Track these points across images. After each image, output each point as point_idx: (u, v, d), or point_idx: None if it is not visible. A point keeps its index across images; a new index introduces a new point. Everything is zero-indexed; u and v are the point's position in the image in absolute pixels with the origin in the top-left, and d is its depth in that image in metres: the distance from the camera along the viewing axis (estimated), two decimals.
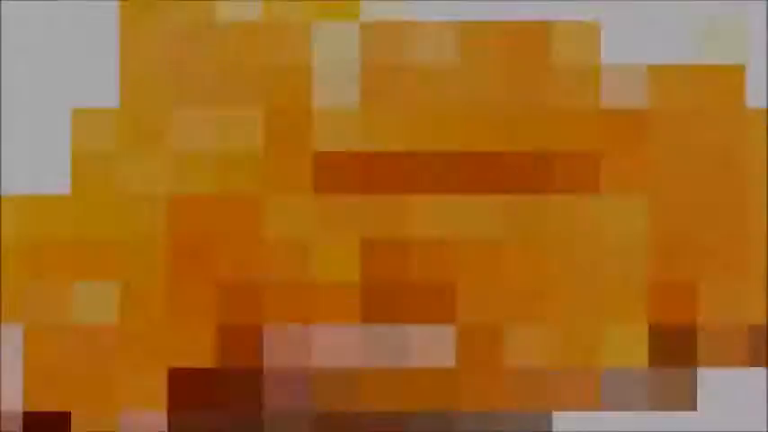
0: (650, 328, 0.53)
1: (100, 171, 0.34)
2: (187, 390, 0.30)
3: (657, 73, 0.65)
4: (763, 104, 0.62)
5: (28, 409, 0.30)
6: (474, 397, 0.51)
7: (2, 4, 0.66)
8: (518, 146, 0.59)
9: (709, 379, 0.58)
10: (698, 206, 0.60)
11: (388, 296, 0.49)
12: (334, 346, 0.35)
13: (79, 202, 0.31)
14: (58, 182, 0.58)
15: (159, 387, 0.29)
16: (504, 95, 0.59)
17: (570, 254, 0.53)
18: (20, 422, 0.30)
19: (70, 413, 0.29)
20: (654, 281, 0.53)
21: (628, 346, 0.52)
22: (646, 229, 0.54)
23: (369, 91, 0.58)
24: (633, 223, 0.55)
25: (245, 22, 0.60)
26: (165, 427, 0.31)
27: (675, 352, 0.58)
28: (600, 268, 0.53)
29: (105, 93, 0.56)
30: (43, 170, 0.59)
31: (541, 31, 0.61)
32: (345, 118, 0.57)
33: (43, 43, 0.65)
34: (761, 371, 0.58)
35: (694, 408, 0.55)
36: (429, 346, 0.50)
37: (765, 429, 0.56)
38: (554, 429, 0.56)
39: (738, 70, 0.61)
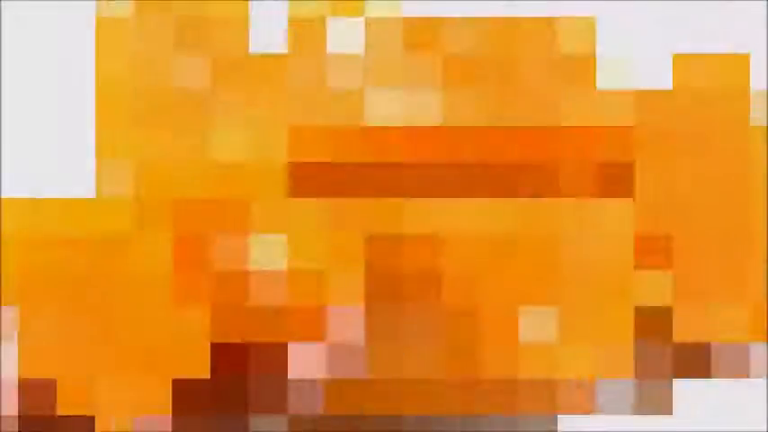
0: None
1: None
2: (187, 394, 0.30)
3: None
4: (762, 105, 0.62)
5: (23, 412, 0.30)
6: (466, 396, 0.51)
7: (2, 4, 0.66)
8: (518, 152, 0.60)
9: (710, 380, 0.58)
10: (696, 206, 0.60)
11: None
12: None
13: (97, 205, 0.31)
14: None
15: (162, 392, 0.30)
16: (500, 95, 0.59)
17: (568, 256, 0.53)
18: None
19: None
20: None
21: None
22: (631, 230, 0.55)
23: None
24: (625, 225, 0.55)
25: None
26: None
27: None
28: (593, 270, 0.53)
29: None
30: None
31: (542, 27, 0.62)
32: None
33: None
34: (761, 371, 0.58)
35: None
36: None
37: (766, 430, 0.56)
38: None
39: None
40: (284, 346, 0.34)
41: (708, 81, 0.64)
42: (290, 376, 0.34)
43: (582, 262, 0.53)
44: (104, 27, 0.57)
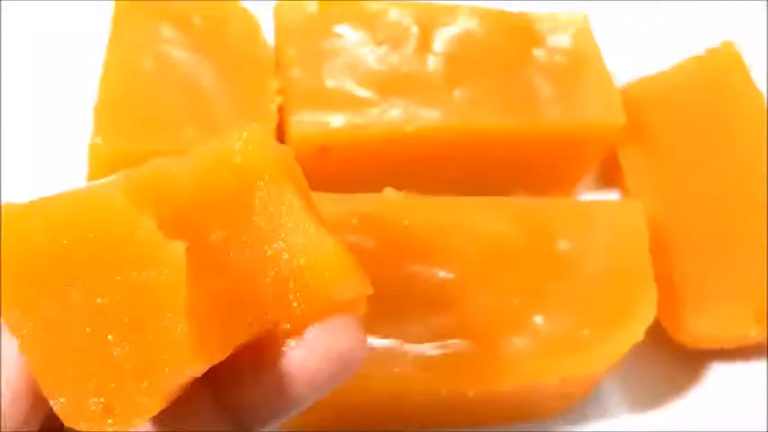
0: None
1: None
2: None
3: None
4: (763, 104, 0.62)
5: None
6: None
7: (2, 4, 0.66)
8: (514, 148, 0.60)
9: (710, 377, 0.58)
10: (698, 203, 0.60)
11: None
12: None
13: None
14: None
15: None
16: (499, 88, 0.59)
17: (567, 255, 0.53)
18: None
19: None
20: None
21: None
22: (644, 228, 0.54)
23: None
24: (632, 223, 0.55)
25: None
26: None
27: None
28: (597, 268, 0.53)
29: None
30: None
31: (534, 22, 0.62)
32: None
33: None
34: (761, 371, 0.58)
35: None
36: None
37: (765, 429, 0.56)
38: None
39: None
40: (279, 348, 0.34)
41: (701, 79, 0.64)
42: (282, 381, 0.33)
43: (593, 265, 0.53)
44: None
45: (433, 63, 0.59)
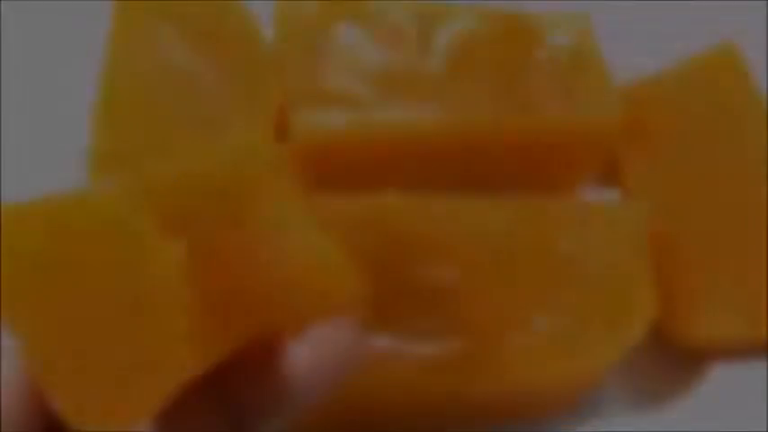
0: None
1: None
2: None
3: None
4: (763, 104, 0.62)
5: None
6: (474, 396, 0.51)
7: (2, 4, 0.66)
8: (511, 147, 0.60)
9: (710, 377, 0.58)
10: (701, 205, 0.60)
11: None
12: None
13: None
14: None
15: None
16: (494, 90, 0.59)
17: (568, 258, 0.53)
18: None
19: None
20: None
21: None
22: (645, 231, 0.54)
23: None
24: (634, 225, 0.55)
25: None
26: None
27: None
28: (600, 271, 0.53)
29: None
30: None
31: (534, 22, 0.62)
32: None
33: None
34: (761, 371, 0.58)
35: None
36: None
37: (765, 429, 0.56)
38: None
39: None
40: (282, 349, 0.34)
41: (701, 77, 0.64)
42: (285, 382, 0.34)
43: (593, 265, 0.53)
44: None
45: (433, 62, 0.60)
